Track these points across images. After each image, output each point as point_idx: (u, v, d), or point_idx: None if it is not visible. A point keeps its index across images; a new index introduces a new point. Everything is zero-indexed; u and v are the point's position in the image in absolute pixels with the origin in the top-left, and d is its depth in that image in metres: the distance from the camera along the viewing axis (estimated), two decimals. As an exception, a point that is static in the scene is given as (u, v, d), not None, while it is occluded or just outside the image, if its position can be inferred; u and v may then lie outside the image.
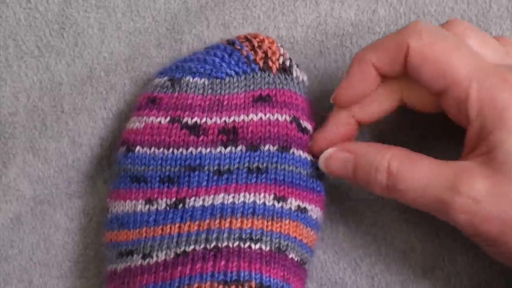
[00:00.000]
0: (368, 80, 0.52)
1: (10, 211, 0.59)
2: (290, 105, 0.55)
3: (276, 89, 0.55)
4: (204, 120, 0.54)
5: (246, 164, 0.53)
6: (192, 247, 0.51)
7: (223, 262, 0.50)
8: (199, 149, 0.53)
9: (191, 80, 0.55)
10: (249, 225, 0.51)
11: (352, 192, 0.60)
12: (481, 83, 0.48)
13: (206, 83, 0.55)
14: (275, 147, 0.53)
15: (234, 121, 0.54)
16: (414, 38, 0.50)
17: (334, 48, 0.60)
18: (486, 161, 0.48)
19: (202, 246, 0.51)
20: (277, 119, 0.54)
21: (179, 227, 0.52)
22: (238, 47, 0.56)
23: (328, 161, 0.54)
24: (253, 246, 0.51)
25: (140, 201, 0.53)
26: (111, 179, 0.58)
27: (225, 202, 0.52)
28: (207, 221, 0.52)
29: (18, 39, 0.61)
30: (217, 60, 0.55)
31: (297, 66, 0.56)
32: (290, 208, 0.53)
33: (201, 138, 0.53)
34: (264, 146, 0.53)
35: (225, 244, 0.51)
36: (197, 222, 0.52)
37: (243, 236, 0.51)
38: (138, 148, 0.54)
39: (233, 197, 0.52)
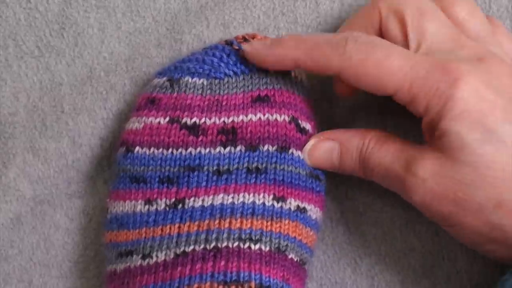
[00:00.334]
0: (280, 66, 0.55)
1: (10, 211, 0.59)
2: (289, 105, 0.55)
3: (274, 89, 0.55)
4: (203, 120, 0.54)
5: (245, 164, 0.53)
6: (191, 247, 0.51)
7: (222, 263, 0.50)
8: (198, 149, 0.53)
9: (190, 80, 0.55)
10: (248, 225, 0.51)
11: (352, 192, 0.60)
12: (422, 80, 0.49)
13: (205, 83, 0.55)
14: (274, 147, 0.53)
15: (233, 121, 0.54)
16: (344, 60, 0.51)
17: (334, 48, 0.60)
18: (438, 145, 0.49)
19: (202, 246, 0.51)
20: (276, 119, 0.54)
21: (179, 227, 0.52)
22: (236, 47, 0.56)
23: (313, 152, 0.55)
24: (252, 246, 0.51)
25: (140, 201, 0.53)
26: (111, 179, 0.58)
27: (225, 202, 0.52)
28: (206, 221, 0.52)
29: (18, 39, 0.61)
30: (215, 60, 0.55)
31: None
32: (290, 208, 0.53)
33: (200, 138, 0.53)
34: (263, 146, 0.53)
35: (224, 244, 0.51)
36: (196, 223, 0.52)
37: (243, 236, 0.51)
38: (137, 148, 0.54)
39: (233, 198, 0.52)
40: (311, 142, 0.55)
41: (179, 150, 0.53)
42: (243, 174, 0.53)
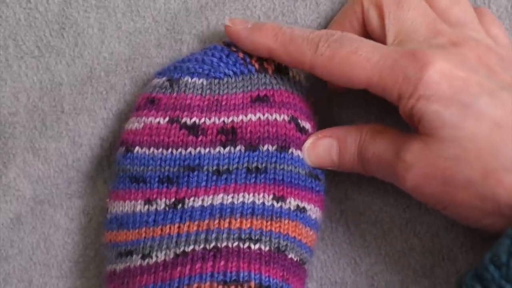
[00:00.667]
0: (253, 51, 0.56)
1: (10, 211, 0.59)
2: (288, 105, 0.55)
3: (273, 89, 0.55)
4: (203, 120, 0.54)
5: (245, 164, 0.53)
6: (191, 247, 0.51)
7: (222, 262, 0.50)
8: (198, 149, 0.53)
9: (189, 80, 0.55)
10: (248, 225, 0.52)
11: (352, 191, 0.60)
12: (391, 69, 0.50)
13: (205, 83, 0.55)
14: (274, 147, 0.53)
15: (232, 121, 0.54)
16: (315, 57, 0.52)
17: (334, 48, 0.60)
18: (420, 129, 0.50)
19: (202, 246, 0.51)
20: (275, 119, 0.54)
21: (179, 227, 0.52)
22: (235, 49, 0.56)
23: (312, 150, 0.55)
24: (252, 246, 0.51)
25: (139, 201, 0.53)
26: (111, 179, 0.58)
27: (224, 202, 0.52)
28: (206, 221, 0.52)
29: (18, 39, 0.61)
30: (215, 60, 0.55)
31: (294, 67, 0.56)
32: (289, 208, 0.53)
33: (200, 138, 0.53)
34: (263, 146, 0.53)
35: (224, 244, 0.51)
36: (196, 222, 0.52)
37: (242, 236, 0.51)
38: (137, 148, 0.54)
39: (232, 197, 0.52)
40: (310, 140, 0.55)
41: (179, 150, 0.53)
42: (243, 174, 0.53)
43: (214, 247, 0.51)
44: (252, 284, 0.50)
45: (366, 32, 0.55)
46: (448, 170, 0.49)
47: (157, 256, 0.52)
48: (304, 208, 0.54)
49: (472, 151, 0.48)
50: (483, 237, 0.54)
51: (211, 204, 0.52)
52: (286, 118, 0.54)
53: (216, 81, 0.55)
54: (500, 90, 0.49)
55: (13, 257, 0.60)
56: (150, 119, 0.54)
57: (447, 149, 0.49)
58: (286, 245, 0.52)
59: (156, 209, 0.53)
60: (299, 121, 0.55)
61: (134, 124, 0.55)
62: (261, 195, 0.52)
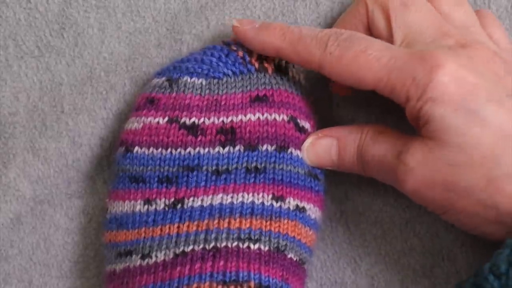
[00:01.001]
0: (263, 51, 0.55)
1: (10, 211, 0.59)
2: (287, 104, 0.55)
3: (272, 89, 0.55)
4: (202, 120, 0.54)
5: (244, 164, 0.53)
6: (191, 247, 0.51)
7: (222, 262, 0.50)
8: (197, 149, 0.53)
9: (189, 80, 0.55)
10: (247, 225, 0.52)
11: (352, 192, 0.60)
12: (400, 71, 0.50)
13: (204, 83, 0.55)
14: (273, 147, 0.53)
15: (232, 121, 0.54)
16: (324, 56, 0.52)
17: (334, 48, 0.60)
18: (424, 133, 0.50)
19: (201, 246, 0.51)
20: (274, 119, 0.54)
21: (178, 227, 0.52)
22: (234, 49, 0.56)
23: (311, 149, 0.55)
24: (252, 246, 0.51)
25: (139, 201, 0.53)
26: (110, 179, 0.58)
27: (224, 202, 0.52)
28: (205, 221, 0.52)
29: (18, 39, 0.61)
30: (214, 60, 0.55)
31: (293, 66, 0.56)
32: (289, 208, 0.53)
33: (199, 138, 0.53)
34: (262, 146, 0.53)
35: (223, 244, 0.51)
36: (195, 222, 0.52)
37: (242, 236, 0.51)
38: (136, 148, 0.54)
39: (232, 197, 0.52)
40: (309, 140, 0.55)
41: (178, 150, 0.53)
42: (242, 174, 0.53)
43: (213, 247, 0.51)
44: (252, 284, 0.50)
45: (371, 35, 0.55)
46: (450, 176, 0.49)
47: (156, 256, 0.52)
48: (303, 208, 0.54)
49: (476, 158, 0.48)
50: (483, 238, 0.54)
51: (211, 204, 0.52)
52: (286, 118, 0.54)
53: (216, 81, 0.55)
54: (506, 98, 0.49)
55: (13, 257, 0.60)
56: (149, 119, 0.54)
57: (450, 155, 0.49)
58: (286, 245, 0.52)
59: (155, 209, 0.53)
60: (299, 120, 0.55)
61: (134, 124, 0.55)
62: (261, 195, 0.52)
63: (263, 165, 0.53)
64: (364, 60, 0.51)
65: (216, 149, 0.53)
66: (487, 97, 0.49)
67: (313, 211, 0.55)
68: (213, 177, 0.53)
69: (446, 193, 0.49)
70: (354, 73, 0.51)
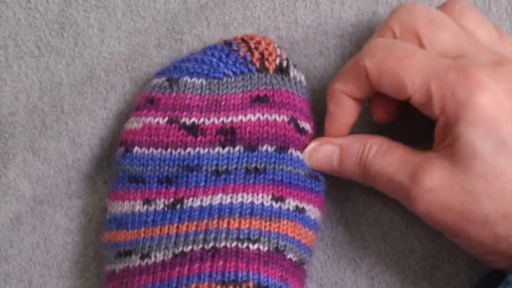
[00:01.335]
0: (348, 111, 0.54)
1: (10, 211, 0.59)
2: (288, 105, 0.55)
3: (273, 89, 0.55)
4: (202, 120, 0.54)
5: (244, 165, 0.53)
6: (190, 247, 0.51)
7: (221, 263, 0.50)
8: (197, 149, 0.53)
9: (189, 80, 0.55)
10: (247, 226, 0.52)
11: (352, 192, 0.60)
12: (440, 82, 0.49)
13: (204, 83, 0.55)
14: (273, 148, 0.53)
15: (232, 121, 0.54)
16: (368, 58, 0.51)
17: (334, 49, 0.60)
18: (448, 153, 0.49)
19: (200, 246, 0.51)
20: (274, 119, 0.54)
21: (177, 227, 0.52)
22: (235, 48, 0.56)
23: (313, 154, 0.55)
24: (251, 246, 0.51)
25: (138, 201, 0.53)
26: (110, 179, 0.58)
27: (223, 202, 0.52)
28: (205, 221, 0.52)
29: (18, 39, 0.61)
30: (214, 60, 0.55)
31: (294, 67, 0.56)
32: (288, 209, 0.53)
33: (199, 139, 0.53)
34: (262, 146, 0.53)
35: (223, 244, 0.51)
36: (195, 223, 0.52)
37: (241, 236, 0.51)
38: (136, 148, 0.54)
39: (231, 198, 0.52)
40: (312, 145, 0.55)
41: (178, 150, 0.53)
42: (242, 174, 0.53)
43: (212, 247, 0.51)
44: (251, 284, 0.50)
45: None
46: (467, 204, 0.48)
47: (155, 256, 0.52)
48: (303, 208, 0.54)
49: (497, 190, 0.47)
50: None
51: (210, 204, 0.52)
52: (286, 118, 0.54)
53: (216, 81, 0.55)
54: None
55: (13, 257, 0.60)
56: (149, 119, 0.54)
57: (471, 183, 0.48)
58: (285, 245, 0.52)
59: (155, 209, 0.53)
60: (299, 121, 0.55)
61: (134, 124, 0.55)
62: (260, 195, 0.52)
63: (263, 165, 0.53)
64: (407, 65, 0.50)
65: (216, 150, 0.53)
66: None
67: (313, 212, 0.55)
68: (213, 178, 0.53)
69: (460, 219, 0.49)
70: (395, 77, 0.50)
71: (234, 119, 0.54)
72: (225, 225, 0.51)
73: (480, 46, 0.51)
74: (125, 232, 0.54)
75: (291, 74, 0.56)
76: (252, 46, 0.56)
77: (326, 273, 0.59)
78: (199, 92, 0.54)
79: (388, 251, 0.59)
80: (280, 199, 0.53)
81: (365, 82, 0.52)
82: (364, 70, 0.51)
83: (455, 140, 0.48)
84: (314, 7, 0.60)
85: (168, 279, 0.50)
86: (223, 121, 0.54)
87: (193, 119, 0.54)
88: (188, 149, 0.53)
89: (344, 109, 0.54)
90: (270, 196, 0.53)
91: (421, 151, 0.51)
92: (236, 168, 0.53)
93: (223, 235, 0.51)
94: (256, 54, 0.55)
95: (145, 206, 0.53)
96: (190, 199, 0.52)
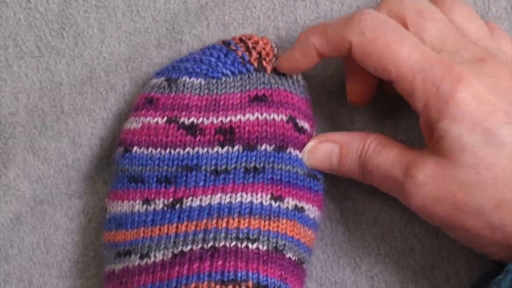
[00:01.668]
0: (310, 62, 0.54)
1: (10, 211, 0.60)
2: (286, 104, 0.55)
3: (271, 89, 0.55)
4: (201, 120, 0.54)
5: (243, 164, 0.53)
6: (189, 247, 0.51)
7: (220, 262, 0.50)
8: (196, 149, 0.53)
9: (187, 80, 0.55)
10: (246, 225, 0.52)
11: (352, 192, 0.60)
12: (425, 75, 0.49)
13: (203, 83, 0.55)
14: (272, 147, 0.53)
15: (230, 121, 0.54)
16: (356, 35, 0.51)
17: (333, 48, 0.60)
18: (437, 148, 0.49)
19: (200, 246, 0.51)
20: (273, 119, 0.54)
21: (177, 227, 0.52)
22: (234, 48, 0.56)
23: (312, 153, 0.55)
24: (250, 245, 0.51)
25: (138, 201, 0.53)
26: (110, 179, 0.58)
27: (222, 202, 0.52)
28: (204, 221, 0.52)
29: (18, 39, 0.61)
30: (213, 60, 0.55)
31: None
32: (287, 208, 0.53)
33: (198, 138, 0.53)
34: (261, 146, 0.53)
35: (222, 244, 0.51)
36: (194, 222, 0.52)
37: (240, 236, 0.51)
38: (135, 148, 0.54)
39: (230, 197, 0.52)
40: (311, 143, 0.55)
41: (177, 150, 0.53)
42: (241, 174, 0.53)
43: (212, 246, 0.51)
44: (250, 283, 0.50)
45: None
46: (460, 195, 0.49)
47: (155, 256, 0.52)
48: (302, 207, 0.54)
49: (488, 180, 0.48)
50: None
51: (209, 204, 0.52)
52: (284, 118, 0.54)
53: (214, 80, 0.55)
54: None
55: (13, 257, 0.60)
56: (148, 119, 0.54)
57: (463, 175, 0.48)
58: (284, 244, 0.52)
59: (154, 209, 0.53)
60: (297, 120, 0.55)
61: (133, 124, 0.55)
62: (259, 194, 0.52)
63: (262, 165, 0.53)
64: (395, 52, 0.50)
65: (215, 149, 0.53)
66: (504, 119, 0.48)
67: (312, 211, 0.55)
68: (212, 177, 0.53)
69: (455, 212, 0.49)
70: (382, 60, 0.50)
71: (233, 119, 0.54)
72: (224, 225, 0.51)
73: (466, 42, 0.52)
74: (124, 232, 0.54)
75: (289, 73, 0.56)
76: (250, 45, 0.56)
77: (326, 273, 0.59)
78: (198, 92, 0.54)
79: (387, 250, 0.59)
80: (279, 198, 0.53)
81: (344, 52, 0.52)
82: (348, 43, 0.51)
83: (442, 136, 0.49)
84: (313, 7, 0.60)
85: (168, 279, 0.51)
86: (222, 121, 0.54)
87: (192, 119, 0.54)
88: (187, 149, 0.53)
89: (307, 59, 0.54)
90: (269, 196, 0.53)
91: (415, 148, 0.52)
92: (235, 168, 0.53)
93: (222, 235, 0.51)
94: (254, 53, 0.56)
95: (145, 206, 0.53)
96: (189, 198, 0.52)
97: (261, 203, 0.52)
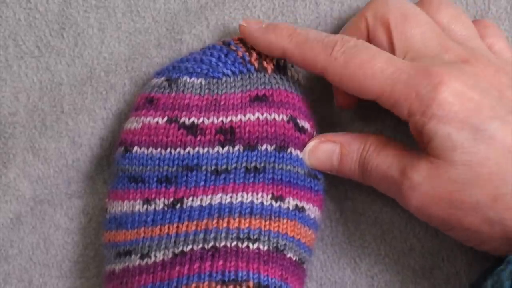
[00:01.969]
0: (273, 54, 0.56)
1: (10, 211, 0.59)
2: (287, 104, 0.55)
3: (272, 89, 0.55)
4: (201, 120, 0.54)
5: (244, 164, 0.53)
6: (190, 247, 0.51)
7: (221, 262, 0.50)
8: (196, 149, 0.53)
9: (188, 80, 0.55)
10: (246, 225, 0.52)
11: (352, 192, 0.60)
12: (403, 84, 0.50)
13: (203, 83, 0.55)
14: (273, 147, 0.53)
15: (231, 121, 0.54)
16: (329, 61, 0.52)
17: (333, 48, 0.60)
18: (429, 149, 0.50)
19: (200, 246, 0.51)
20: (274, 118, 0.54)
21: (177, 227, 0.52)
22: (234, 48, 0.56)
23: (313, 153, 0.55)
24: (251, 245, 0.51)
25: (138, 201, 0.53)
26: (110, 179, 0.58)
27: (223, 202, 0.52)
28: (204, 221, 0.52)
29: (18, 39, 0.61)
30: (213, 60, 0.55)
31: (292, 66, 0.56)
32: (288, 208, 0.53)
33: (198, 138, 0.53)
34: (262, 145, 0.53)
35: (223, 244, 0.51)
36: (195, 222, 0.52)
37: (241, 235, 0.51)
38: (135, 148, 0.54)
39: (231, 197, 0.52)
40: (312, 143, 0.55)
41: (177, 150, 0.53)
42: (242, 174, 0.53)
43: (212, 246, 0.51)
44: (251, 283, 0.50)
45: None
46: (456, 193, 0.49)
47: (155, 256, 0.52)
48: (303, 207, 0.54)
49: (482, 175, 0.48)
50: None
51: (210, 204, 0.52)
52: (285, 117, 0.54)
53: (215, 80, 0.55)
54: (510, 115, 0.49)
55: (13, 257, 0.60)
56: (148, 119, 0.54)
57: (456, 172, 0.49)
58: (285, 244, 0.52)
59: (154, 209, 0.53)
60: (298, 120, 0.55)
61: (133, 124, 0.55)
62: (260, 194, 0.52)
63: (262, 165, 0.53)
64: (369, 70, 0.51)
65: (216, 149, 0.53)
66: (491, 114, 0.49)
67: (313, 211, 0.55)
68: (212, 177, 0.53)
69: (452, 210, 0.50)
70: (357, 81, 0.51)
71: (234, 119, 0.54)
72: (225, 225, 0.51)
73: (449, 44, 0.53)
74: (125, 232, 0.54)
75: (289, 73, 0.56)
76: (250, 46, 0.56)
77: (326, 273, 0.59)
78: (198, 91, 0.54)
79: (387, 250, 0.59)
80: (280, 198, 0.53)
81: (318, 73, 0.53)
82: (321, 69, 0.53)
83: (431, 138, 0.49)
84: (313, 7, 0.60)
85: (168, 279, 0.51)
86: (222, 121, 0.54)
87: (192, 119, 0.54)
88: (188, 149, 0.53)
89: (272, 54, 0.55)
90: (269, 195, 0.53)
91: (413, 149, 0.52)
92: (235, 168, 0.53)
93: (223, 235, 0.51)
94: (254, 54, 0.56)
95: (145, 206, 0.53)
96: (190, 198, 0.52)
97: (262, 203, 0.52)
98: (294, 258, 0.53)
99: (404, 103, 0.50)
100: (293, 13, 0.60)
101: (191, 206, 0.52)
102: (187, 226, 0.52)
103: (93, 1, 0.61)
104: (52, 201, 0.60)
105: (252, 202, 0.52)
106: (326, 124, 0.59)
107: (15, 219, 0.60)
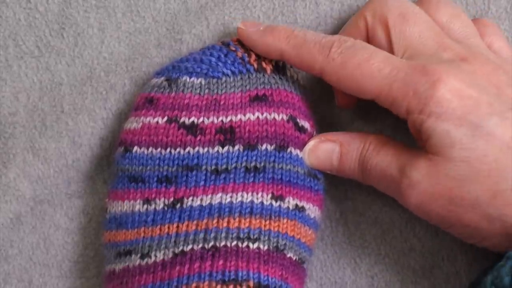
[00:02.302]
0: (271, 56, 0.56)
1: (10, 211, 0.59)
2: (287, 104, 0.55)
3: (272, 88, 0.55)
4: (201, 119, 0.54)
5: (244, 164, 0.53)
6: (190, 246, 0.51)
7: (221, 262, 0.50)
8: (196, 148, 0.53)
9: (188, 80, 0.55)
10: (247, 225, 0.52)
11: (352, 192, 0.60)
12: (401, 82, 0.50)
13: (203, 82, 0.55)
14: (273, 146, 0.53)
15: (231, 120, 0.54)
16: (327, 62, 0.52)
17: (333, 48, 0.60)
18: (428, 147, 0.50)
19: (200, 245, 0.51)
20: (274, 118, 0.54)
21: (177, 226, 0.52)
22: (233, 49, 0.56)
23: (312, 152, 0.55)
24: (251, 245, 0.51)
25: (138, 201, 0.53)
26: (110, 179, 0.58)
27: (223, 201, 0.52)
28: (205, 220, 0.52)
29: (18, 39, 0.61)
30: (213, 59, 0.55)
31: (291, 66, 0.56)
32: (288, 207, 0.53)
33: (198, 138, 0.53)
34: (262, 145, 0.53)
35: (223, 243, 0.51)
36: (195, 222, 0.52)
37: (241, 235, 0.51)
38: (135, 148, 0.54)
39: (231, 197, 0.52)
40: (312, 142, 0.55)
41: (177, 149, 0.53)
42: (242, 173, 0.53)
43: (212, 246, 0.51)
44: (251, 283, 0.50)
45: None
46: (455, 190, 0.49)
47: (156, 256, 0.52)
48: (303, 207, 0.54)
49: (481, 172, 0.48)
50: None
51: (210, 204, 0.52)
52: (285, 117, 0.54)
53: (215, 80, 0.55)
54: (508, 111, 0.49)
55: (13, 257, 0.60)
56: (148, 118, 0.54)
57: (455, 169, 0.49)
58: (285, 244, 0.52)
59: (154, 208, 0.53)
60: (298, 120, 0.55)
61: (133, 124, 0.55)
62: (260, 194, 0.52)
63: (262, 164, 0.53)
64: (366, 70, 0.51)
65: (216, 149, 0.53)
66: (489, 110, 0.49)
67: (313, 211, 0.55)
68: (213, 177, 0.53)
69: (451, 207, 0.50)
70: (355, 81, 0.51)
71: (234, 118, 0.54)
72: (225, 224, 0.51)
73: (447, 42, 0.53)
74: (125, 232, 0.54)
75: (289, 73, 0.56)
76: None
77: (326, 273, 0.59)
78: (198, 91, 0.54)
79: (387, 250, 0.59)
80: (280, 198, 0.53)
81: (315, 75, 0.54)
82: (321, 72, 0.53)
83: (430, 135, 0.49)
84: (313, 7, 0.60)
85: (169, 279, 0.51)
86: (222, 120, 0.54)
87: (192, 119, 0.54)
88: (188, 149, 0.53)
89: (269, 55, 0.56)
90: (269, 195, 0.53)
91: (412, 148, 0.52)
92: (235, 167, 0.53)
93: (223, 234, 0.51)
94: (253, 55, 0.56)
95: (145, 206, 0.53)
96: (190, 198, 0.52)
97: (262, 202, 0.52)
98: (294, 258, 0.53)
99: (402, 101, 0.50)
100: (293, 13, 0.60)
101: (191, 206, 0.52)
102: (187, 226, 0.52)
103: (93, 1, 0.61)
104: (52, 201, 0.60)
105: (252, 201, 0.52)
106: (326, 124, 0.59)
107: (15, 219, 0.60)
